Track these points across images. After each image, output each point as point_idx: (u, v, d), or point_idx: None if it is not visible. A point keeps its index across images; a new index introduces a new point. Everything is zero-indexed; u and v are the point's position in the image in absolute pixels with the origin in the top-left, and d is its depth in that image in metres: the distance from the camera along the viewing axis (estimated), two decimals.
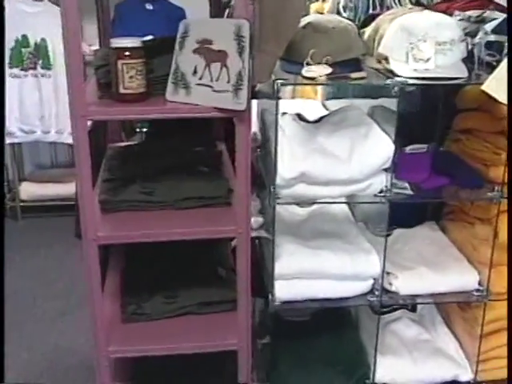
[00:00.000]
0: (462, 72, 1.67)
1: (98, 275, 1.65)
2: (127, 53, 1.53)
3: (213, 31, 1.52)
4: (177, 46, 1.59)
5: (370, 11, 2.95)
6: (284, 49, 1.56)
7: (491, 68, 1.71)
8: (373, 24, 1.85)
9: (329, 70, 1.58)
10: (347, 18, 1.90)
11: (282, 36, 1.53)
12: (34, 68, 3.78)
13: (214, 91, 1.53)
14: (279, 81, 1.55)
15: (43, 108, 3.75)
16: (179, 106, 1.56)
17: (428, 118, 2.02)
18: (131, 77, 1.55)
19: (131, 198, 1.74)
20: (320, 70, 1.58)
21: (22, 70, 3.78)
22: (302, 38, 1.65)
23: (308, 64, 1.62)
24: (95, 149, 1.97)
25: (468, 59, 1.74)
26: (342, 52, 1.65)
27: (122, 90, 1.55)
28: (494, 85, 1.58)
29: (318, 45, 1.63)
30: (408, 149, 1.81)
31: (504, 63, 1.59)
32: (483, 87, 1.57)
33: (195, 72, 1.55)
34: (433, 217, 2.14)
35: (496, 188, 1.75)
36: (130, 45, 1.54)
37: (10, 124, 3.70)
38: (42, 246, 3.77)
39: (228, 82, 1.50)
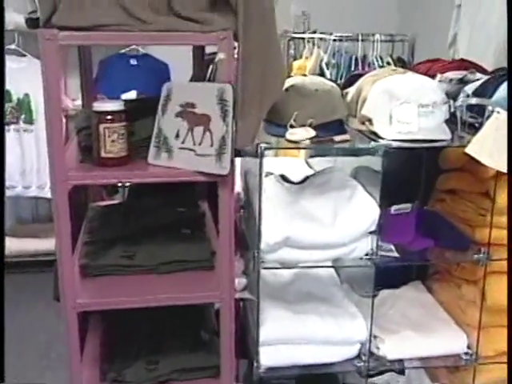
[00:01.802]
0: (444, 134, 1.67)
1: (76, 342, 1.61)
2: (109, 116, 1.52)
3: (196, 95, 1.52)
4: (159, 110, 1.58)
5: (353, 68, 3.01)
6: (267, 112, 1.55)
7: (474, 129, 1.71)
8: (356, 85, 1.86)
9: (312, 133, 1.58)
10: (329, 79, 1.91)
11: (266, 99, 1.52)
12: (17, 123, 3.76)
13: (197, 155, 1.51)
14: (263, 145, 1.54)
15: (24, 163, 3.72)
16: (161, 170, 1.54)
17: (412, 176, 2.02)
18: (113, 141, 1.53)
19: (112, 262, 1.71)
20: (303, 133, 1.58)
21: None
22: (286, 100, 1.65)
23: (292, 126, 1.62)
24: (76, 208, 1.94)
25: (451, 120, 1.75)
26: (325, 114, 1.65)
27: (103, 154, 1.53)
28: (477, 147, 1.58)
29: (301, 107, 1.63)
30: (393, 209, 1.80)
31: (486, 126, 1.60)
32: (466, 150, 1.57)
33: (178, 136, 1.54)
34: (419, 276, 2.12)
35: (482, 250, 1.74)
36: (111, 108, 1.52)
37: None
38: (21, 302, 3.68)
39: (211, 146, 1.49)
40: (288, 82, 1.69)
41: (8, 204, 4.24)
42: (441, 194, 1.96)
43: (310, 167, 2.24)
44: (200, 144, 1.50)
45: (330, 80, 1.97)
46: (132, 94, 3.75)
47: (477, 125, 1.73)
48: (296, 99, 1.64)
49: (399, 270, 2.02)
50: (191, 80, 2.20)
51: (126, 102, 1.68)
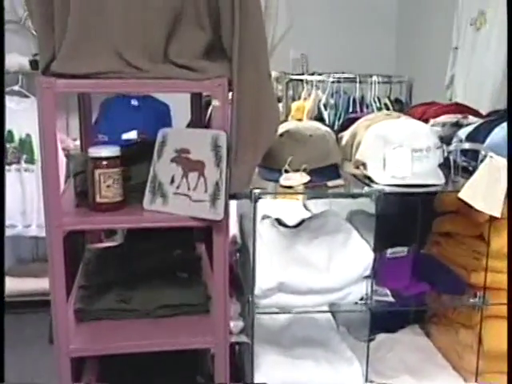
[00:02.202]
0: (438, 178, 1.68)
1: None
2: (104, 162, 1.53)
3: (190, 141, 1.53)
4: (155, 155, 1.60)
5: (351, 109, 3.04)
6: (261, 158, 1.56)
7: (468, 173, 1.73)
8: (351, 129, 1.88)
9: (306, 178, 1.59)
10: (326, 124, 1.92)
11: (260, 145, 1.54)
12: (18, 162, 3.79)
13: (192, 201, 1.52)
14: (257, 190, 1.55)
15: (25, 202, 3.74)
16: (156, 215, 1.55)
17: (408, 219, 2.02)
18: (108, 186, 1.54)
19: (107, 306, 1.70)
20: (298, 179, 1.59)
21: (5, 164, 3.78)
22: (280, 145, 1.67)
23: (286, 172, 1.63)
24: (73, 250, 1.94)
25: (445, 164, 1.76)
26: (319, 159, 1.66)
27: (98, 200, 1.54)
28: (471, 192, 1.59)
29: (295, 153, 1.64)
30: (389, 252, 1.80)
31: (479, 170, 1.61)
32: (460, 195, 1.58)
33: (173, 181, 1.55)
34: (416, 320, 2.10)
35: (478, 294, 1.73)
36: (107, 154, 1.54)
37: None
38: (19, 343, 3.65)
39: (205, 191, 1.50)
40: (282, 128, 1.71)
41: (8, 243, 4.24)
42: (437, 237, 1.96)
43: (307, 209, 2.25)
44: (194, 189, 1.52)
45: (326, 124, 1.99)
46: (133, 135, 3.79)
47: (471, 168, 1.75)
48: (290, 145, 1.66)
49: (396, 313, 2.00)
50: (190, 123, 2.22)
51: (124, 146, 1.70)
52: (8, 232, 3.78)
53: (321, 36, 4.16)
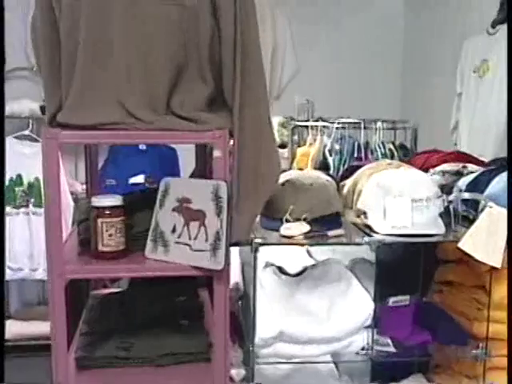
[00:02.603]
0: (438, 228, 1.69)
1: None
2: (107, 211, 1.55)
3: (192, 190, 1.55)
4: (157, 204, 1.62)
5: (355, 155, 3.06)
6: (262, 208, 1.58)
7: (469, 222, 1.73)
8: (352, 177, 1.89)
9: (307, 227, 1.60)
10: (328, 173, 1.94)
11: (261, 195, 1.55)
12: (26, 206, 3.82)
13: (192, 250, 1.53)
14: (257, 240, 1.57)
15: (32, 246, 3.76)
16: (157, 264, 1.56)
17: (411, 268, 2.02)
18: (110, 235, 1.56)
19: (108, 354, 1.70)
20: (298, 228, 1.61)
21: (14, 207, 3.82)
22: (282, 195, 1.68)
23: (287, 221, 1.65)
24: (76, 297, 1.95)
25: (446, 213, 1.77)
26: (320, 208, 1.68)
27: (100, 248, 1.56)
28: (471, 242, 1.59)
29: (296, 202, 1.66)
30: (391, 301, 1.79)
31: (479, 220, 1.62)
32: (460, 245, 1.59)
33: (174, 230, 1.57)
34: (421, 369, 2.08)
35: (480, 345, 1.72)
36: (110, 204, 1.56)
37: None
38: None
39: (206, 241, 1.52)
40: (284, 177, 1.73)
41: (14, 286, 4.25)
42: (439, 286, 1.96)
43: (311, 256, 2.25)
44: (195, 239, 1.53)
45: (327, 173, 2.00)
46: (140, 179, 3.83)
47: (471, 217, 1.76)
48: (291, 194, 1.68)
49: (400, 362, 1.99)
50: (195, 171, 2.25)
51: (128, 193, 1.73)
52: (15, 275, 3.80)
53: (326, 81, 4.22)
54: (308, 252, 2.32)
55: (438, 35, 3.98)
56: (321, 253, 2.11)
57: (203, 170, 2.18)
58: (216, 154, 1.50)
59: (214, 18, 1.51)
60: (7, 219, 3.80)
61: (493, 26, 3.08)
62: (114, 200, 1.57)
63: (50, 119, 1.58)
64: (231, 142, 1.54)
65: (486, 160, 2.70)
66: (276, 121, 3.48)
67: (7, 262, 3.76)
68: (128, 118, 1.50)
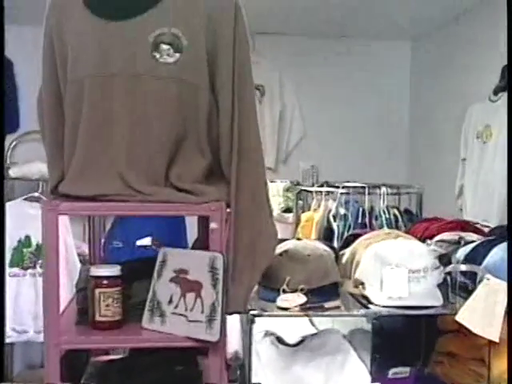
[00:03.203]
0: (436, 300, 1.69)
1: None
2: (105, 281, 1.56)
3: (189, 261, 1.57)
4: (155, 274, 1.63)
5: (360, 220, 3.07)
6: (258, 279, 1.59)
7: (467, 293, 1.73)
8: (351, 247, 1.90)
9: (303, 299, 1.61)
10: (328, 244, 1.94)
11: (257, 267, 1.56)
12: (34, 267, 3.84)
13: (188, 321, 1.54)
14: (253, 312, 1.57)
15: (38, 307, 3.75)
16: (154, 335, 1.56)
17: (411, 337, 2.01)
18: (107, 305, 1.57)
19: None
20: (295, 299, 1.61)
21: (21, 268, 3.84)
22: (279, 265, 1.69)
23: (284, 292, 1.65)
24: (76, 363, 1.94)
25: (444, 284, 1.76)
26: (317, 279, 1.68)
27: (97, 318, 1.56)
28: (468, 315, 1.59)
29: (293, 272, 1.67)
30: (391, 373, 1.78)
31: (476, 293, 1.61)
32: (457, 318, 1.58)
33: (171, 301, 1.58)
34: None
35: None
36: (107, 274, 1.57)
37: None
38: None
39: (202, 312, 1.52)
40: (281, 247, 1.74)
41: (18, 349, 4.24)
42: (440, 357, 1.94)
43: (312, 324, 2.24)
44: (192, 310, 1.53)
45: (326, 243, 2.00)
46: (147, 241, 3.85)
47: (470, 288, 1.75)
48: (288, 264, 1.69)
49: None
50: (197, 239, 2.26)
51: (127, 262, 1.74)
52: (19, 338, 3.79)
53: (332, 146, 4.28)
54: (309, 320, 2.31)
55: (443, 102, 4.05)
56: (321, 321, 2.10)
57: (205, 239, 2.20)
58: (212, 225, 1.52)
59: (212, 93, 1.56)
60: (14, 280, 3.82)
61: (495, 93, 3.14)
62: (112, 270, 1.59)
63: (51, 189, 1.62)
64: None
65: (491, 225, 2.71)
66: (281, 186, 3.52)
67: (12, 324, 3.76)
68: (127, 190, 1.53)
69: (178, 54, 1.50)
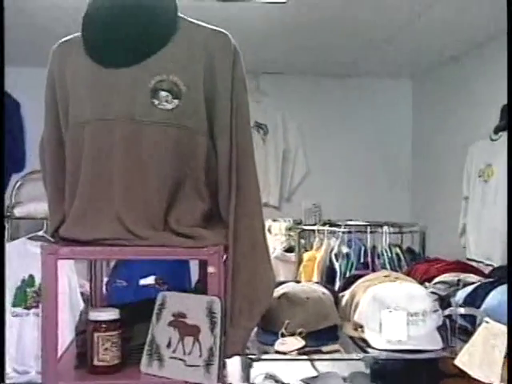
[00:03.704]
0: (435, 343, 1.68)
1: None
2: (104, 325, 1.57)
3: (187, 305, 1.57)
4: (154, 317, 1.63)
5: (362, 259, 3.07)
6: (257, 322, 1.59)
7: (467, 335, 1.72)
8: (350, 289, 1.90)
9: (301, 343, 1.60)
10: (325, 286, 1.94)
11: (255, 311, 1.57)
12: (37, 307, 3.83)
13: (187, 365, 1.53)
14: (251, 356, 1.57)
15: (40, 347, 3.74)
16: (152, 379, 1.56)
17: (413, 380, 1.99)
18: (106, 349, 1.57)
19: None
20: (293, 343, 1.60)
21: (25, 308, 3.83)
22: (277, 308, 1.70)
23: (283, 335, 1.65)
24: None
25: (443, 327, 1.76)
26: (316, 322, 1.68)
27: (95, 362, 1.56)
28: (467, 359, 1.58)
29: (292, 316, 1.67)
30: None
31: (475, 336, 1.61)
32: (456, 362, 1.57)
33: (169, 345, 1.58)
34: None
35: None
36: (106, 318, 1.58)
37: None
38: None
39: (200, 356, 1.52)
40: (280, 290, 1.75)
41: None
42: None
43: (313, 366, 2.23)
44: (190, 354, 1.53)
45: (324, 285, 2.00)
46: (150, 280, 3.85)
47: (470, 330, 1.74)
48: (287, 307, 1.69)
49: None
50: (198, 280, 2.27)
51: (127, 304, 1.75)
52: (21, 378, 3.77)
53: (334, 185, 4.31)
54: (313, 365, 2.29)
55: (445, 139, 4.08)
56: (321, 363, 2.09)
57: (206, 280, 2.20)
58: (210, 269, 1.53)
59: (211, 138, 1.58)
60: (17, 320, 3.81)
61: (495, 132, 3.16)
62: (111, 314, 1.59)
63: (52, 233, 1.64)
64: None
65: (495, 265, 2.71)
66: (283, 225, 3.53)
67: (13, 365, 3.74)
68: (126, 234, 1.54)
69: (176, 101, 1.53)
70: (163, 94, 1.53)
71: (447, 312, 1.72)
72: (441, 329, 1.74)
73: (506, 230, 2.83)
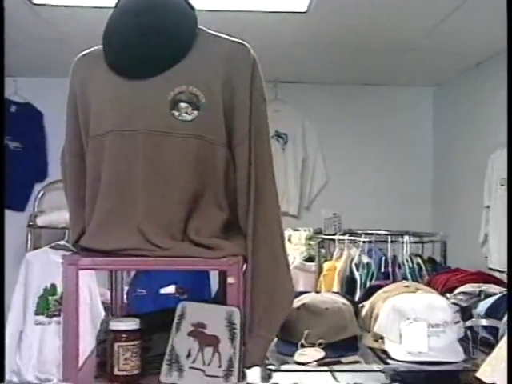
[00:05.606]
0: (456, 355, 1.66)
1: None
2: (124, 335, 1.57)
3: (207, 316, 1.57)
4: (173, 327, 1.63)
5: (383, 269, 3.05)
6: (276, 333, 1.59)
7: (490, 347, 1.70)
8: (370, 300, 1.89)
9: (321, 354, 1.60)
10: (344, 297, 1.93)
11: (274, 321, 1.56)
12: (59, 315, 3.86)
13: (206, 375, 1.54)
14: (271, 367, 1.56)
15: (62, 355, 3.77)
16: None
17: None
18: (126, 359, 1.58)
19: None
20: (312, 354, 1.60)
21: (47, 316, 3.86)
22: (297, 319, 1.69)
23: (302, 346, 1.65)
24: None
25: (465, 338, 1.74)
26: (335, 333, 1.68)
27: (116, 372, 1.57)
28: (489, 371, 1.55)
29: (311, 326, 1.67)
30: None
31: (497, 349, 1.59)
32: (478, 374, 1.55)
33: (189, 355, 1.58)
34: None
35: None
36: (127, 328, 1.58)
37: (27, 372, 3.70)
38: None
39: (219, 366, 1.52)
40: (299, 301, 1.74)
41: None
42: None
43: (334, 377, 2.21)
44: (209, 364, 1.54)
45: (344, 296, 2.00)
46: (171, 289, 3.86)
47: (492, 342, 1.72)
48: (307, 318, 1.68)
49: None
50: (218, 290, 2.27)
51: (147, 314, 1.76)
52: None
53: (354, 194, 4.29)
54: (332, 374, 2.28)
55: (466, 147, 4.05)
56: (343, 374, 2.07)
57: (225, 290, 2.20)
58: (230, 280, 1.53)
59: (230, 149, 1.59)
60: (39, 328, 3.85)
61: None
62: (132, 324, 1.60)
63: (73, 243, 1.65)
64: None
65: None
66: (303, 235, 3.52)
67: (35, 372, 3.77)
68: (146, 245, 1.55)
69: (196, 112, 1.54)
70: (183, 105, 1.54)
71: (469, 323, 1.71)
72: (462, 340, 1.73)
73: None
